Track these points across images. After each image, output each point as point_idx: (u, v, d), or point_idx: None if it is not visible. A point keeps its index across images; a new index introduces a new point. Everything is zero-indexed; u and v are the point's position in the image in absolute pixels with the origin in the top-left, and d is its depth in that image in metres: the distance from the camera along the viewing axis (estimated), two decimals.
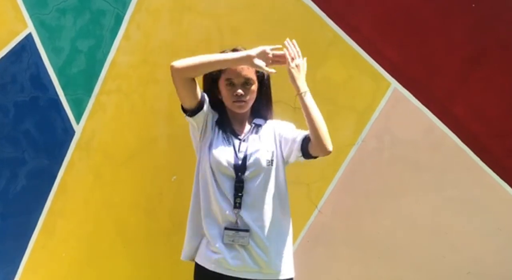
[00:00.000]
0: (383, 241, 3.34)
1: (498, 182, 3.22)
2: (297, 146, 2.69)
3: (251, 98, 2.74)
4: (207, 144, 2.72)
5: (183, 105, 2.72)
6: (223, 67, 2.67)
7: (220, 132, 2.75)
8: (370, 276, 3.37)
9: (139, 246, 3.51)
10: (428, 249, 3.30)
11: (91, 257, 3.55)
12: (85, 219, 3.54)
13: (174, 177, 3.43)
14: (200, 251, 2.75)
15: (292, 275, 2.76)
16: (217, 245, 2.66)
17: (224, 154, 2.68)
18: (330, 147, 2.62)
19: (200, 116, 2.71)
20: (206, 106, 2.72)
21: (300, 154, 2.70)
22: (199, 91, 2.70)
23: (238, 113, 2.76)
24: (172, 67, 2.64)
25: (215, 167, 2.67)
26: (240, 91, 2.69)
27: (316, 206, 3.38)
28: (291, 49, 2.70)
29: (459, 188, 3.25)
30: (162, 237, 3.47)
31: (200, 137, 2.75)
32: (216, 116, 2.79)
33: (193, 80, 2.67)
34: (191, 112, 2.70)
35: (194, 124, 2.74)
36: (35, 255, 3.59)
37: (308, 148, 2.66)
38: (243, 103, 2.71)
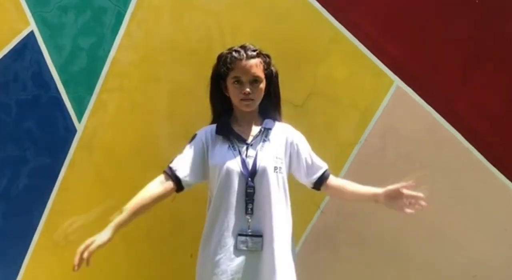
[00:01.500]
0: (387, 242, 3.32)
1: (503, 181, 3.20)
2: (310, 180, 2.78)
3: (258, 96, 2.72)
4: (215, 158, 2.70)
5: None
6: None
7: (224, 140, 2.72)
8: (374, 278, 3.35)
9: (140, 245, 3.48)
10: (433, 251, 3.29)
11: (92, 256, 3.52)
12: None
13: None
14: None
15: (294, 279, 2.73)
16: (224, 252, 2.63)
17: (232, 162, 2.65)
18: None
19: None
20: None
21: (312, 186, 2.79)
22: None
23: (245, 112, 2.74)
24: None
25: (226, 176, 2.65)
26: (248, 89, 2.67)
27: (319, 207, 3.36)
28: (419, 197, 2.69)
29: (463, 187, 3.24)
30: (164, 237, 3.45)
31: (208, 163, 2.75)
32: (211, 133, 2.76)
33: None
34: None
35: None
36: (37, 254, 3.57)
37: (322, 187, 2.78)
38: (250, 102, 2.70)
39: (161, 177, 2.72)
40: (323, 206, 3.34)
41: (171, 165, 2.72)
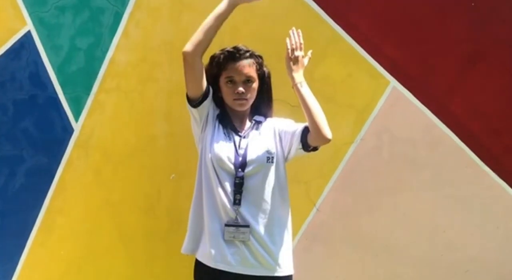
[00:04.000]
0: (381, 239, 3.36)
1: (496, 180, 3.24)
2: (296, 138, 2.70)
3: (251, 96, 2.75)
4: (208, 138, 2.74)
5: (188, 94, 2.74)
6: (223, 19, 2.72)
7: (221, 127, 2.76)
8: (368, 274, 3.39)
9: (137, 244, 3.50)
10: (426, 247, 3.33)
11: (89, 255, 3.54)
12: (83, 217, 3.52)
13: (173, 175, 3.43)
14: (200, 247, 2.76)
15: (291, 272, 2.77)
16: (217, 241, 2.66)
17: (225, 150, 2.69)
18: (329, 134, 2.61)
19: (203, 107, 2.73)
20: (209, 98, 2.74)
21: (300, 146, 2.70)
22: (205, 81, 2.72)
23: (238, 110, 2.77)
24: (185, 52, 2.68)
25: (216, 163, 2.69)
26: (241, 89, 2.70)
27: (315, 204, 3.39)
28: (294, 39, 2.71)
29: (457, 186, 3.28)
30: (161, 235, 3.47)
31: (202, 130, 2.77)
32: (217, 111, 2.80)
33: (202, 67, 2.70)
34: (196, 102, 2.72)
35: (196, 116, 2.76)
36: (34, 253, 3.57)
37: (308, 139, 2.66)
38: (244, 101, 2.73)
39: None
40: (319, 204, 3.37)
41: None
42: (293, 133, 2.72)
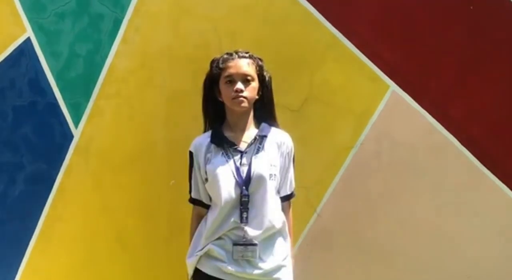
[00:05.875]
0: (382, 245, 3.34)
1: (498, 184, 3.23)
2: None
3: (251, 95, 2.69)
4: (208, 169, 2.69)
5: None
6: None
7: (218, 148, 2.72)
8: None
9: (137, 250, 3.49)
10: (427, 253, 3.31)
11: (89, 261, 3.53)
12: (83, 224, 3.52)
13: (173, 181, 3.42)
14: (202, 258, 2.73)
15: None
16: (222, 258, 2.64)
17: (225, 172, 2.63)
18: None
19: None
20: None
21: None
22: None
23: (239, 117, 2.74)
24: None
25: (220, 187, 2.64)
26: (239, 85, 2.66)
27: (315, 210, 3.37)
28: None
29: (458, 190, 3.26)
30: (161, 242, 3.46)
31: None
32: (203, 144, 2.74)
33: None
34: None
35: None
36: (34, 260, 3.57)
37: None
38: (242, 98, 2.67)
39: (195, 210, 2.79)
40: (320, 209, 3.36)
41: (193, 196, 2.78)
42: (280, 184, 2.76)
